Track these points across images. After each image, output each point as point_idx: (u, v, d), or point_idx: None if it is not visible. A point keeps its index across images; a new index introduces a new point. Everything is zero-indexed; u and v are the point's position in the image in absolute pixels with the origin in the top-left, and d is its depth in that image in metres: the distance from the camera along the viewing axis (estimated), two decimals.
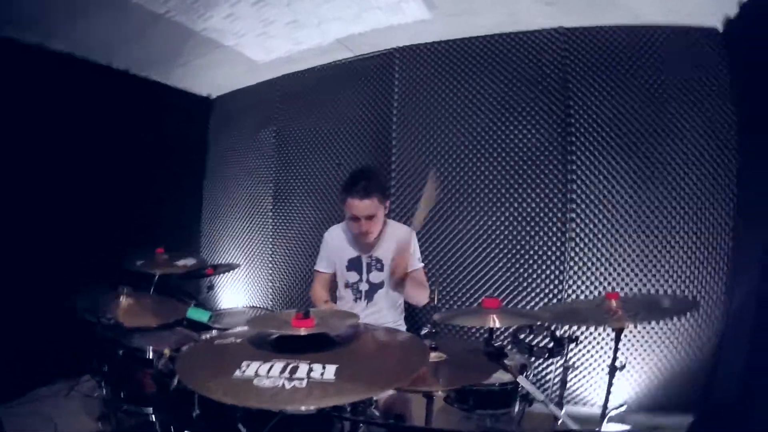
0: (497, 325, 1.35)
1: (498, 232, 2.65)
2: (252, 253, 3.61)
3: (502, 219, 2.65)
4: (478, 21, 2.58)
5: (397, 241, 2.02)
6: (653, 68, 2.44)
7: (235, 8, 2.43)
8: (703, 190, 2.36)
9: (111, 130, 3.03)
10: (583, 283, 2.49)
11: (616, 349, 1.61)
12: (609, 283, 2.45)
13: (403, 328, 2.23)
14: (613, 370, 1.60)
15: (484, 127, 2.71)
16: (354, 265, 2.14)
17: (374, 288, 2.13)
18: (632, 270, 2.43)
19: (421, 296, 2.07)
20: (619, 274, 2.44)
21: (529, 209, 2.60)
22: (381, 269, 2.11)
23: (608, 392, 1.62)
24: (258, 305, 3.49)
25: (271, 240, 3.49)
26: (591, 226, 2.49)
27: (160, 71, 3.21)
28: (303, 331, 1.13)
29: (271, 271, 3.49)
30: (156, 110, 3.34)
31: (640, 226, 2.43)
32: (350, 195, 1.98)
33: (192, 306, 2.29)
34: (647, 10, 2.32)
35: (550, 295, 2.54)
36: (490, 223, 2.67)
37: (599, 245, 2.48)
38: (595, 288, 2.47)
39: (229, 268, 3.22)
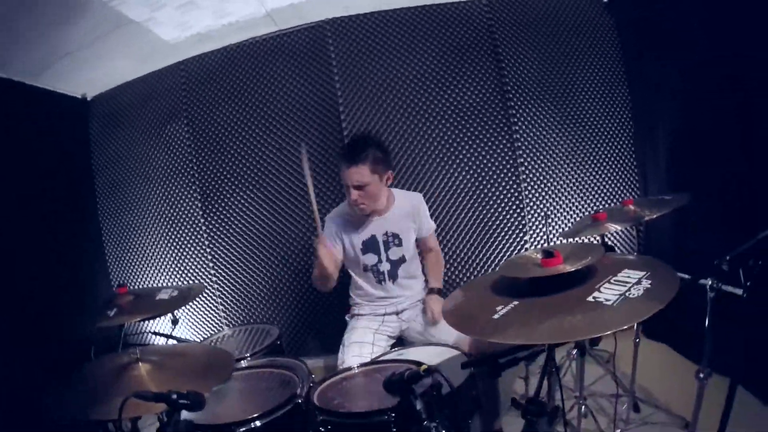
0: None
1: (456, 186, 2.82)
2: (187, 271, 3.12)
3: (457, 174, 2.82)
4: None
5: (410, 212, 2.05)
6: (561, 32, 2.86)
7: None
8: (610, 125, 2.89)
9: None
10: (542, 220, 2.82)
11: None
12: (562, 213, 2.84)
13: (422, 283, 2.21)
14: None
15: (430, 92, 2.81)
16: (370, 246, 2.03)
17: (396, 265, 2.06)
18: (577, 197, 2.85)
19: (440, 265, 2.22)
20: (568, 204, 2.85)
21: (481, 163, 2.82)
22: (399, 244, 2.04)
23: None
24: (216, 331, 3.05)
25: (209, 251, 3.05)
26: (538, 167, 2.83)
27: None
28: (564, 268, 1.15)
29: (219, 290, 3.07)
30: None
31: (573, 160, 2.86)
32: (342, 160, 1.90)
33: None
34: None
35: (516, 238, 2.83)
36: (447, 179, 2.82)
37: (548, 183, 2.83)
38: (553, 221, 2.83)
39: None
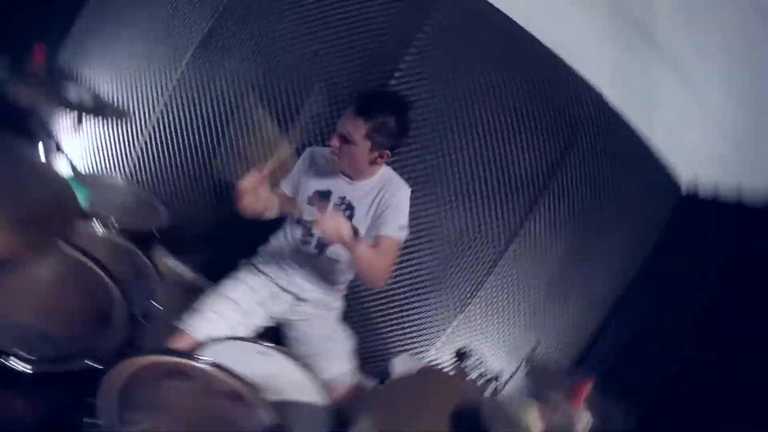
0: None
1: None
2: (142, 96, 2.37)
3: None
4: None
5: (377, 193, 1.55)
6: None
7: None
8: None
9: None
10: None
11: None
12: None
13: (336, 309, 1.73)
14: None
15: None
16: (319, 200, 1.58)
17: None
18: None
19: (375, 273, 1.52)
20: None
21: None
22: (350, 218, 1.56)
23: None
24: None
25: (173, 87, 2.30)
26: None
27: None
28: None
29: (166, 128, 2.31)
30: None
31: None
32: (351, 102, 1.50)
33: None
34: None
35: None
36: None
37: None
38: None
39: (107, 111, 2.04)
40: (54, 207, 0.95)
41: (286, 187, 1.65)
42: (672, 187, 2.51)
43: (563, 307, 2.45)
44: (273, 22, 2.23)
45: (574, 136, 2.32)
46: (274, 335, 1.65)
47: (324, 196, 1.57)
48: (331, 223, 1.36)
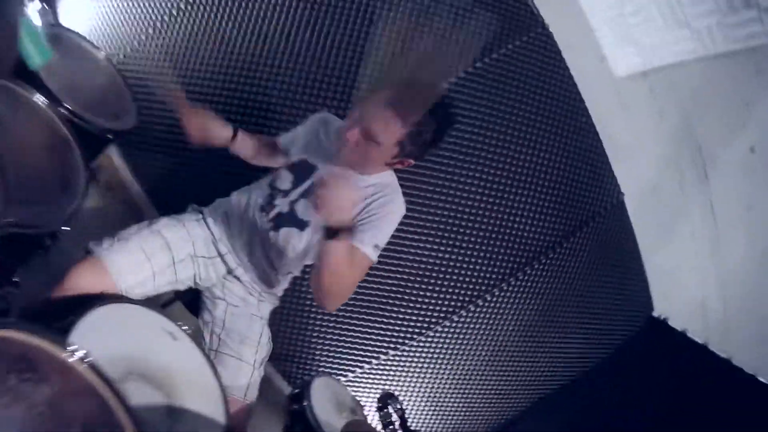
0: None
1: None
2: None
3: None
4: None
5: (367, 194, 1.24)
6: None
7: None
8: None
9: None
10: None
11: None
12: None
13: (265, 315, 1.43)
14: None
15: None
16: (300, 170, 1.31)
17: (290, 220, 1.29)
18: None
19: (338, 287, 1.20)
20: None
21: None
22: None
23: None
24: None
25: None
26: None
27: None
28: None
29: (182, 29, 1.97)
30: None
31: None
32: (385, 95, 1.16)
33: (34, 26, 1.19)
34: None
35: None
36: None
37: None
38: None
39: None
40: None
41: (285, 139, 1.42)
42: (646, 308, 2.47)
43: (500, 381, 2.33)
44: None
45: (583, 224, 2.22)
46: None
47: (307, 168, 1.30)
48: (346, 191, 1.00)
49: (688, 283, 2.25)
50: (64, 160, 1.12)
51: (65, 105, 1.20)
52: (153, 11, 2.04)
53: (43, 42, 1.20)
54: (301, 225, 1.29)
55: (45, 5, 1.39)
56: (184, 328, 1.07)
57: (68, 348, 0.58)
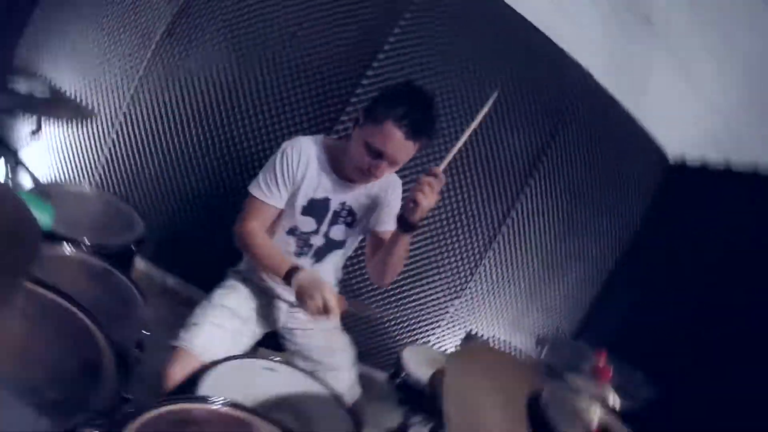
0: None
1: None
2: (105, 94, 2.17)
3: None
4: None
5: (377, 194, 1.47)
6: None
7: None
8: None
9: None
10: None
11: None
12: None
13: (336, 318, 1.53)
14: None
15: None
16: (316, 208, 1.43)
17: (331, 246, 1.48)
18: None
19: (398, 270, 1.45)
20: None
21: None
22: (351, 224, 1.48)
23: None
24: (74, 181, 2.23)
25: (139, 80, 2.10)
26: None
27: None
28: None
29: (130, 132, 2.14)
30: None
31: None
32: (393, 120, 1.25)
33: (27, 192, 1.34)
34: None
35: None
36: None
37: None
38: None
39: (69, 110, 1.85)
40: (11, 239, 0.77)
41: (275, 197, 1.40)
42: (661, 160, 2.55)
43: (561, 280, 2.46)
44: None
45: (562, 117, 2.30)
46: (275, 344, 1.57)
47: (322, 204, 1.44)
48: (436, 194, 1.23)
49: (685, 120, 2.31)
50: (114, 288, 1.25)
51: (85, 242, 1.33)
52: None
53: (42, 202, 1.33)
54: (340, 245, 1.50)
55: (27, 169, 1.53)
56: (277, 359, 1.21)
57: (210, 400, 0.73)
